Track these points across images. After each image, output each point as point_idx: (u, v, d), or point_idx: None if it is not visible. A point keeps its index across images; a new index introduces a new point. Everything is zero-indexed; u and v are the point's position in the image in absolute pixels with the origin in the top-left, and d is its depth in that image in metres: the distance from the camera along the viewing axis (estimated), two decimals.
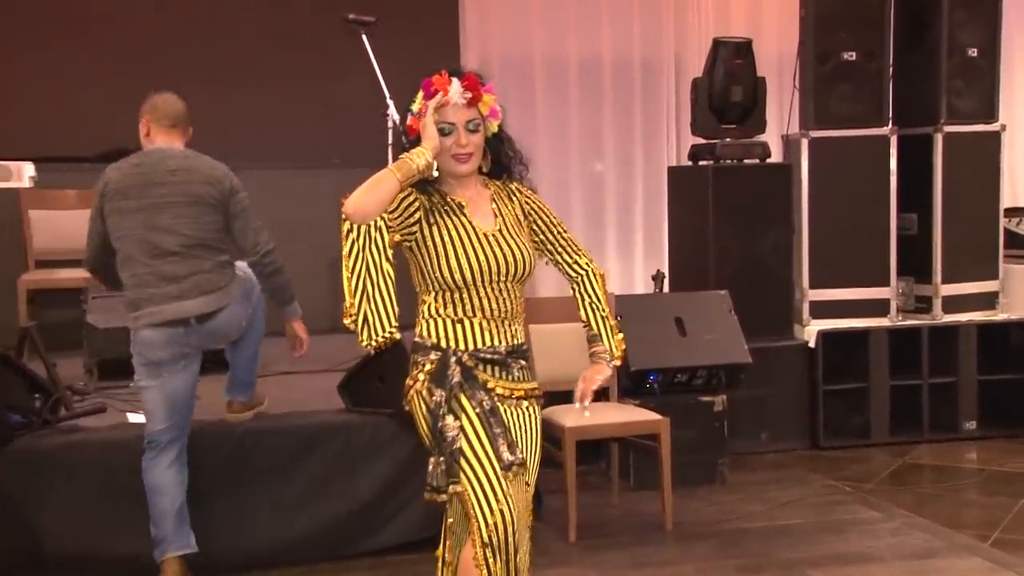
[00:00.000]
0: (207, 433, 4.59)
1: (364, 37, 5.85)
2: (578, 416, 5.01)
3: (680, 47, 8.30)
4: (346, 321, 3.09)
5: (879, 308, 6.64)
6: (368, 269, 3.03)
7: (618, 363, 3.31)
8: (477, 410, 3.05)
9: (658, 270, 6.96)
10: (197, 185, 4.30)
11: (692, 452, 5.62)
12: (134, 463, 4.42)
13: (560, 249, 3.28)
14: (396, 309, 3.09)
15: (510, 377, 3.12)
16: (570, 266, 3.30)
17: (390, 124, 5.71)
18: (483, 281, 3.05)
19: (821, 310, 6.62)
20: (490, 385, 3.08)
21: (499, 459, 3.02)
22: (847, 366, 6.54)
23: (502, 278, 3.07)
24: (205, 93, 7.58)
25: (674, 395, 5.70)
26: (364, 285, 3.04)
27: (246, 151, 7.49)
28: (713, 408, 5.76)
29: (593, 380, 3.23)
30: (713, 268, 6.47)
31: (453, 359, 3.06)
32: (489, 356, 3.08)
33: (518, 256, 3.09)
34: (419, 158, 2.97)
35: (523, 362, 3.16)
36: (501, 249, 3.08)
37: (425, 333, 3.11)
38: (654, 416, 5.14)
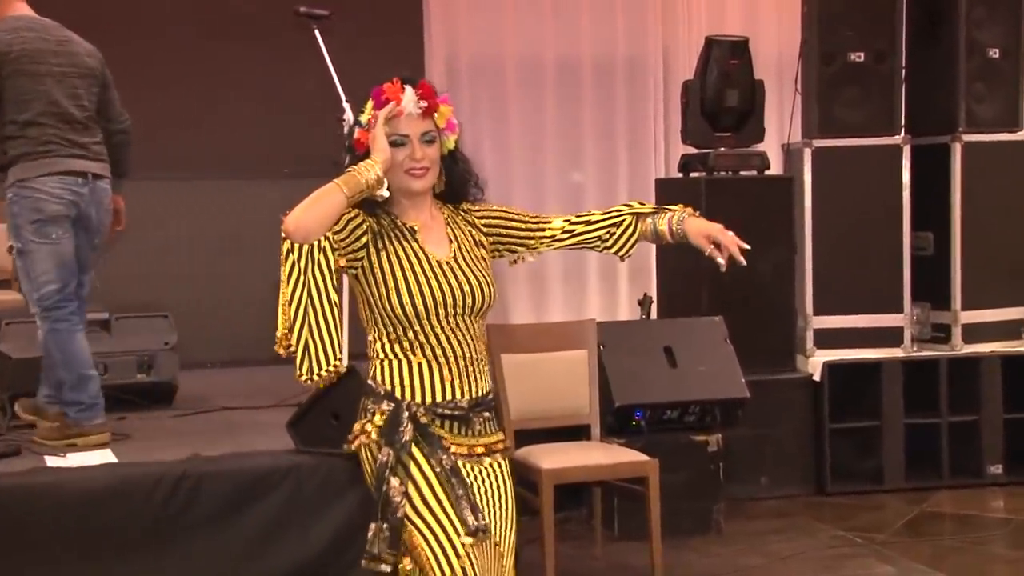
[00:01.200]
0: (137, 477, 4.54)
1: (317, 32, 5.84)
2: (556, 458, 5.01)
3: (669, 46, 8.34)
4: (279, 351, 3.07)
5: (892, 337, 6.67)
6: (310, 294, 2.99)
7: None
8: (437, 469, 3.04)
9: (645, 294, 6.95)
10: (84, 57, 5.00)
11: (683, 498, 5.60)
12: (53, 512, 4.39)
13: (535, 229, 3.27)
14: (342, 339, 3.08)
15: (470, 432, 3.12)
16: (554, 230, 3.28)
17: (346, 130, 5.68)
18: (437, 315, 3.04)
19: (827, 339, 6.64)
20: (446, 443, 3.08)
21: (463, 523, 3.01)
22: (856, 402, 6.55)
23: (458, 311, 3.07)
24: (133, 93, 7.57)
25: (663, 434, 5.69)
26: (306, 312, 3.00)
27: (181, 158, 7.49)
28: (707, 448, 5.77)
29: (719, 230, 3.20)
30: (706, 292, 6.47)
31: (406, 414, 3.05)
32: (448, 412, 3.08)
33: (475, 286, 3.10)
34: (368, 171, 2.96)
35: (487, 414, 3.16)
36: (456, 279, 3.08)
37: (379, 378, 3.10)
38: (641, 457, 5.13)
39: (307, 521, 4.66)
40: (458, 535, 3.00)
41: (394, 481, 3.02)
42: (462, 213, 3.23)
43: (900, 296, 6.66)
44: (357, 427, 3.12)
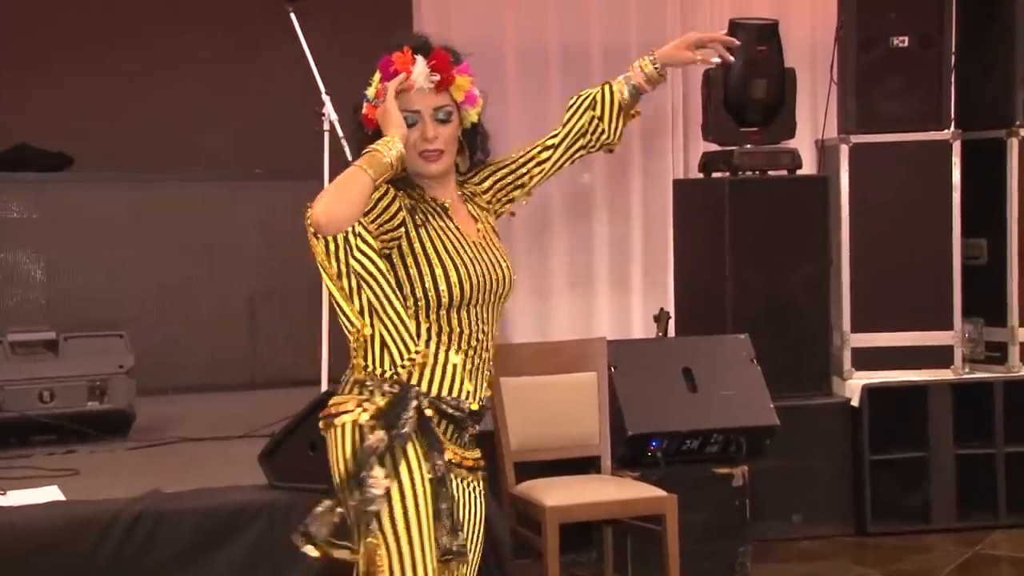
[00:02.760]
0: (88, 517, 4.52)
1: (293, 16, 5.84)
2: (561, 494, 4.98)
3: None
4: (356, 337, 3.04)
5: (940, 357, 6.65)
6: (366, 283, 2.99)
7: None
8: (429, 475, 3.03)
9: (661, 309, 6.97)
10: None
11: (705, 538, 5.61)
12: None
13: (524, 162, 3.33)
14: (411, 322, 3.04)
15: (460, 442, 3.16)
16: (537, 149, 3.34)
17: (326, 126, 5.70)
18: (474, 299, 3.09)
19: (866, 360, 6.63)
20: (444, 447, 3.09)
21: (436, 543, 3.02)
22: (900, 431, 6.54)
23: (490, 295, 3.13)
24: (89, 84, 7.61)
25: (682, 466, 5.68)
26: (368, 303, 3.00)
27: (140, 157, 7.49)
28: (731, 483, 5.76)
29: (693, 36, 3.29)
30: (730, 306, 6.49)
31: (414, 401, 3.03)
32: (451, 411, 3.08)
33: (503, 268, 3.17)
34: (390, 149, 2.97)
35: (476, 428, 3.19)
36: (490, 259, 3.15)
37: (379, 366, 3.06)
38: (657, 493, 5.13)
39: (281, 566, 4.62)
40: (425, 561, 3.00)
41: (378, 471, 2.98)
42: (468, 188, 3.28)
43: (949, 311, 6.65)
44: (345, 403, 3.07)
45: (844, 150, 6.65)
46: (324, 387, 5.31)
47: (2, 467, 5.18)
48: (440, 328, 3.07)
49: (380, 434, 3.00)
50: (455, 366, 3.07)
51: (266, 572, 4.63)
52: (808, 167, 6.97)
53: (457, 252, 3.08)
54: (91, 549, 4.47)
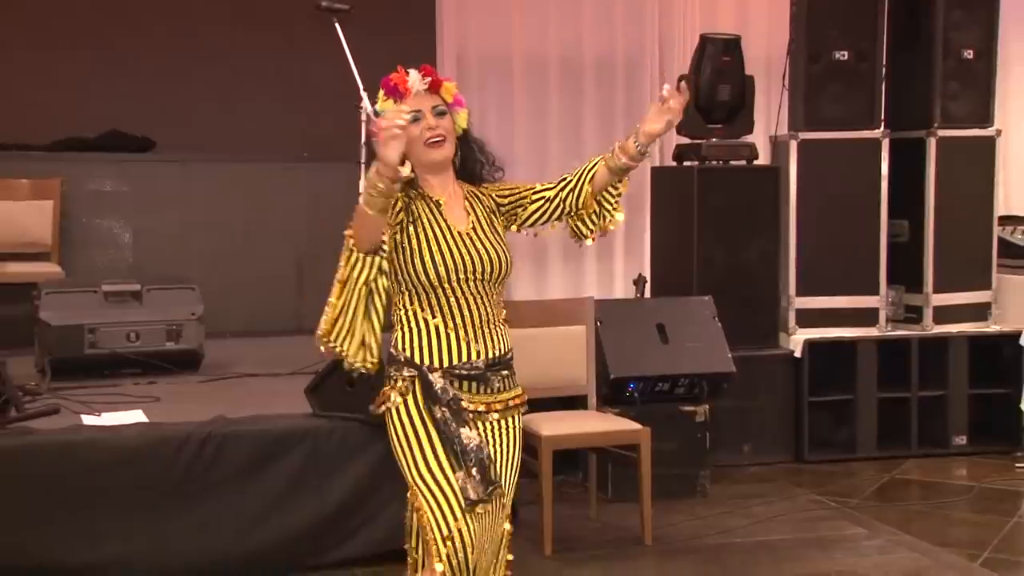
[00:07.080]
0: (165, 437, 4.57)
1: (337, 26, 5.84)
2: (555, 426, 5.03)
3: (665, 43, 8.30)
4: (321, 347, 3.12)
5: (868, 317, 6.67)
6: (372, 293, 3.06)
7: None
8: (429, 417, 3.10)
9: (639, 274, 6.97)
10: None
11: (673, 464, 5.63)
12: (89, 467, 4.42)
13: (539, 193, 3.31)
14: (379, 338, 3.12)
15: (488, 390, 3.17)
16: (553, 191, 3.32)
17: (363, 117, 5.72)
18: (457, 279, 3.11)
19: (808, 319, 6.64)
20: (464, 404, 3.12)
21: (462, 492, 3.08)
22: (833, 377, 6.57)
23: (476, 277, 3.14)
24: (164, 77, 7.62)
25: (655, 404, 5.71)
26: (368, 307, 3.07)
27: (208, 141, 7.51)
28: (695, 418, 5.79)
29: (661, 107, 3.30)
30: (697, 273, 6.48)
31: (432, 375, 3.09)
32: (466, 372, 3.12)
33: (492, 255, 3.17)
34: (372, 188, 2.94)
35: (505, 372, 3.20)
36: (475, 247, 3.15)
37: (400, 345, 3.15)
38: (634, 426, 5.16)
39: (324, 480, 4.68)
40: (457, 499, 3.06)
41: (464, 431, 3.09)
42: (479, 192, 3.29)
43: (876, 279, 6.66)
44: (391, 392, 3.15)
45: (793, 145, 6.65)
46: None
47: (97, 394, 5.22)
48: (443, 305, 3.10)
49: (439, 409, 3.09)
50: (459, 338, 3.10)
51: (310, 484, 4.69)
52: (763, 158, 6.95)
53: (437, 241, 3.11)
54: (168, 462, 4.53)
